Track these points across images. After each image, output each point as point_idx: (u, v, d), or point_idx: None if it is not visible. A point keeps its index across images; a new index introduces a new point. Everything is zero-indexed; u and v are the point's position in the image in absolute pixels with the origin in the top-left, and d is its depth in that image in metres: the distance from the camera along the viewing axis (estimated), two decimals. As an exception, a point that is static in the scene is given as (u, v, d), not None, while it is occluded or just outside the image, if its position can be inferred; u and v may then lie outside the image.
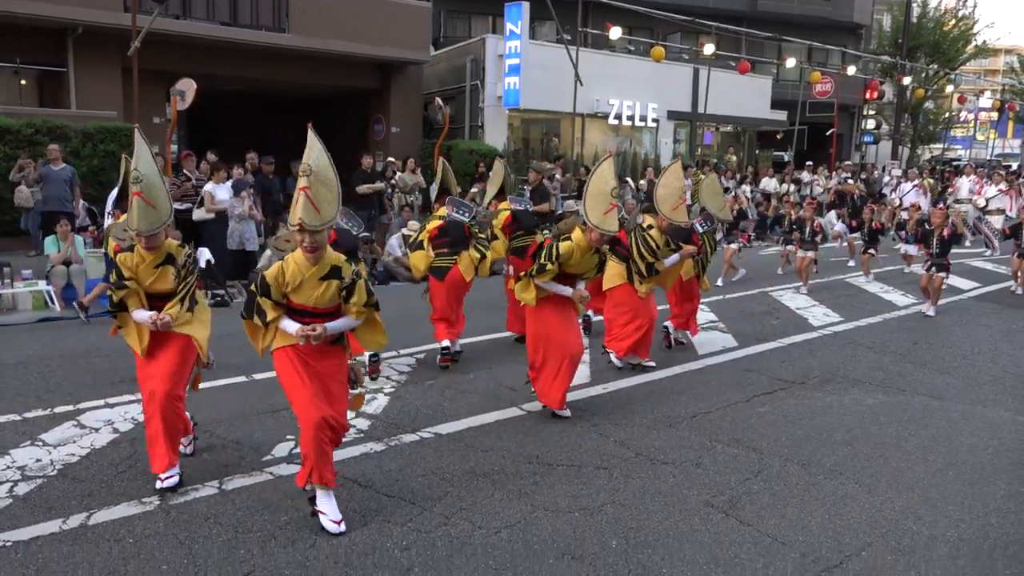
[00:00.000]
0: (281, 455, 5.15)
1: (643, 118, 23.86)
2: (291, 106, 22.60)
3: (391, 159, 16.95)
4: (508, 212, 8.26)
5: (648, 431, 5.72)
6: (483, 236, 7.84)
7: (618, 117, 23.34)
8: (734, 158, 25.30)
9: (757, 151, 29.11)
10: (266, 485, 4.69)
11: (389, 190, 15.30)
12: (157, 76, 15.45)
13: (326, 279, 4.13)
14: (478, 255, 7.55)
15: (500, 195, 8.51)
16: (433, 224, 7.68)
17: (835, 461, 5.23)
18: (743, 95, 25.79)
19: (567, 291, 5.88)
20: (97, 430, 5.53)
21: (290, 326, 4.18)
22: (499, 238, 8.21)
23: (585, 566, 3.85)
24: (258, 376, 6.92)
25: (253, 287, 4.22)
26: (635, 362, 7.30)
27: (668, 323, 8.28)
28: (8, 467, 4.87)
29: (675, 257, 7.18)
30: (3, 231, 12.73)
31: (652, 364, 7.36)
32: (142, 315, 4.50)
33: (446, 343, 7.44)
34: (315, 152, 4.00)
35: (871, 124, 33.94)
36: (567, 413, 5.98)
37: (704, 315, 10.09)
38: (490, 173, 9.12)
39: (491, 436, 5.58)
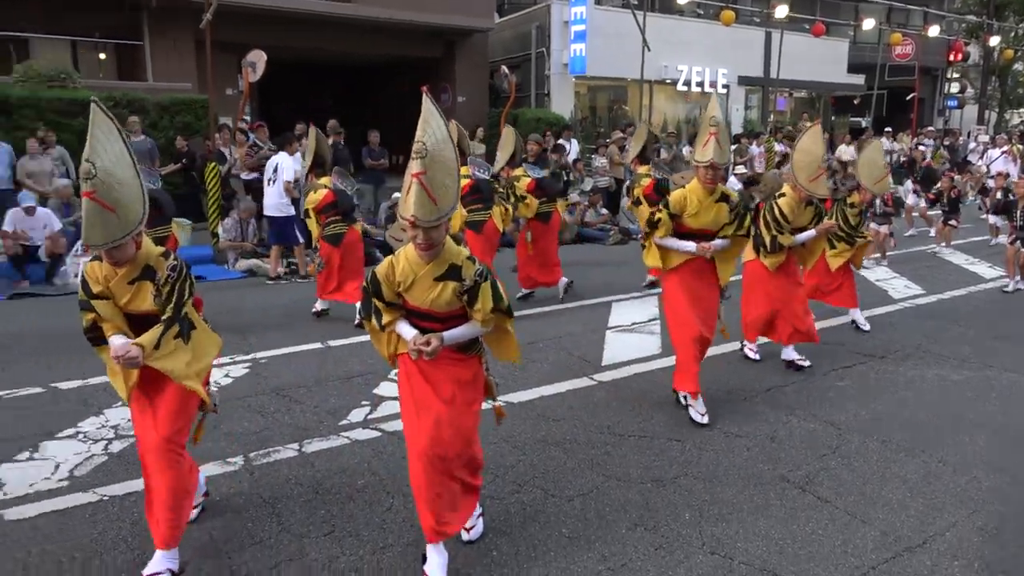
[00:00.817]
0: (357, 420, 5.26)
1: (713, 84, 23.32)
2: (358, 76, 22.79)
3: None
4: (530, 178, 8.74)
5: (722, 403, 5.65)
6: (501, 191, 8.77)
7: (687, 83, 22.88)
8: (809, 124, 24.57)
9: (833, 117, 28.23)
10: (343, 449, 4.81)
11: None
12: (229, 48, 15.73)
13: (442, 280, 3.35)
14: (503, 209, 8.44)
15: (511, 161, 8.92)
16: (525, 182, 8.65)
17: (917, 438, 5.09)
18: (818, 59, 24.98)
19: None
20: (182, 393, 5.73)
21: (406, 332, 3.47)
22: (527, 199, 8.69)
23: (657, 537, 3.85)
24: (333, 343, 7.08)
25: (366, 284, 3.52)
26: (789, 357, 6.48)
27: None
28: (103, 426, 5.10)
29: (809, 233, 6.27)
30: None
31: (799, 359, 6.48)
32: (116, 342, 3.42)
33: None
34: (432, 127, 3.18)
35: (955, 88, 32.47)
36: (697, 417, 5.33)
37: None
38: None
39: (563, 405, 5.59)
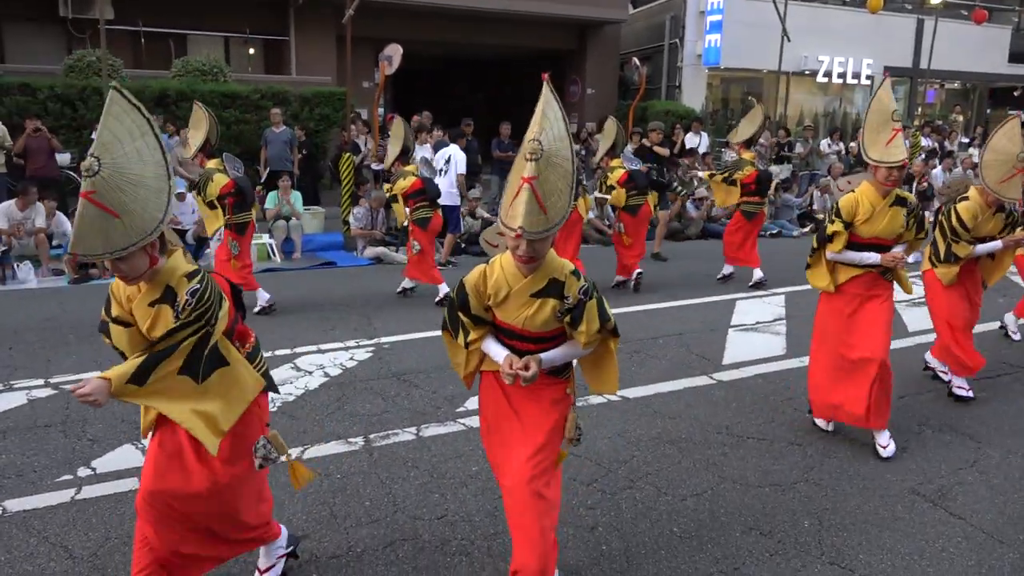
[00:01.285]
0: (473, 407, 5.36)
1: (856, 75, 22.19)
2: (489, 69, 23.10)
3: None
4: (624, 170, 9.09)
5: (848, 409, 5.40)
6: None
7: (827, 75, 21.87)
8: (960, 118, 22.99)
9: (989, 110, 26.29)
10: (459, 435, 4.91)
11: (583, 151, 15.30)
12: (366, 42, 16.30)
13: (540, 296, 2.90)
14: (584, 199, 9.03)
15: (611, 151, 9.24)
16: (618, 173, 9.07)
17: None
18: (975, 47, 23.29)
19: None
20: (311, 373, 6.01)
21: (495, 351, 3.06)
22: (616, 189, 9.10)
23: (774, 542, 3.73)
24: (453, 331, 7.22)
25: (452, 295, 3.10)
26: (957, 388, 5.72)
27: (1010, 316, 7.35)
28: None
29: (994, 244, 5.42)
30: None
31: (965, 392, 5.67)
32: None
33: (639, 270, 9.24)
34: (550, 121, 2.77)
35: None
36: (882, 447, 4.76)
37: (915, 288, 9.36)
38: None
39: (680, 403, 5.50)
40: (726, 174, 9.47)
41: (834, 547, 3.70)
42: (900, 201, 4.61)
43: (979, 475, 4.46)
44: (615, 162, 9.19)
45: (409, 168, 8.43)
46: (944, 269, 5.49)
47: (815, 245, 4.85)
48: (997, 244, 5.43)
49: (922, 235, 4.71)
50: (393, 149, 8.57)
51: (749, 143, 9.50)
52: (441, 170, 10.84)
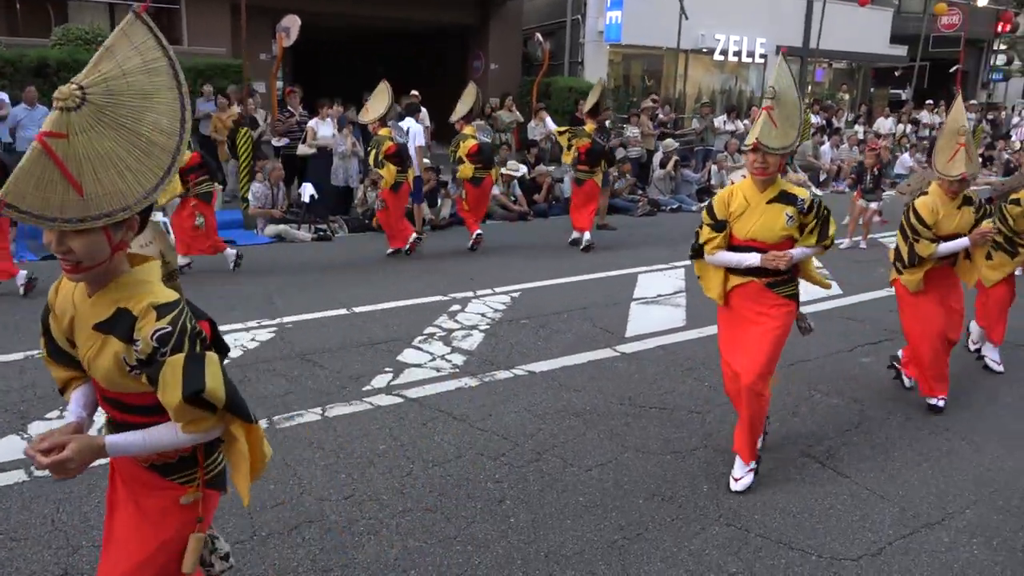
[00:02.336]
0: (379, 386, 5.32)
1: (750, 54, 22.88)
2: (389, 43, 22.69)
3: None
4: (475, 142, 9.66)
5: (744, 377, 5.62)
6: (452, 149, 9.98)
7: (724, 53, 22.46)
8: (847, 97, 24.04)
9: (872, 89, 27.58)
10: (364, 414, 4.87)
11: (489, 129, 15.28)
12: (262, 12, 15.74)
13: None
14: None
15: (468, 117, 9.74)
16: (470, 143, 9.61)
17: (941, 417, 5.02)
18: (860, 28, 24.35)
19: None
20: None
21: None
22: (464, 163, 9.68)
23: (675, 507, 3.86)
24: (358, 309, 7.14)
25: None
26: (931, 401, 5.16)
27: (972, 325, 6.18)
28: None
29: (960, 241, 4.84)
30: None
31: (938, 403, 5.10)
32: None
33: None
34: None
35: (1002, 60, 31.52)
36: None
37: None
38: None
39: (584, 376, 5.60)
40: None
41: (731, 509, 3.86)
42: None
43: (863, 436, 4.73)
44: (468, 129, 9.71)
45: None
46: (909, 275, 4.91)
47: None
48: (964, 241, 4.82)
49: (827, 241, 3.98)
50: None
51: (594, 112, 10.11)
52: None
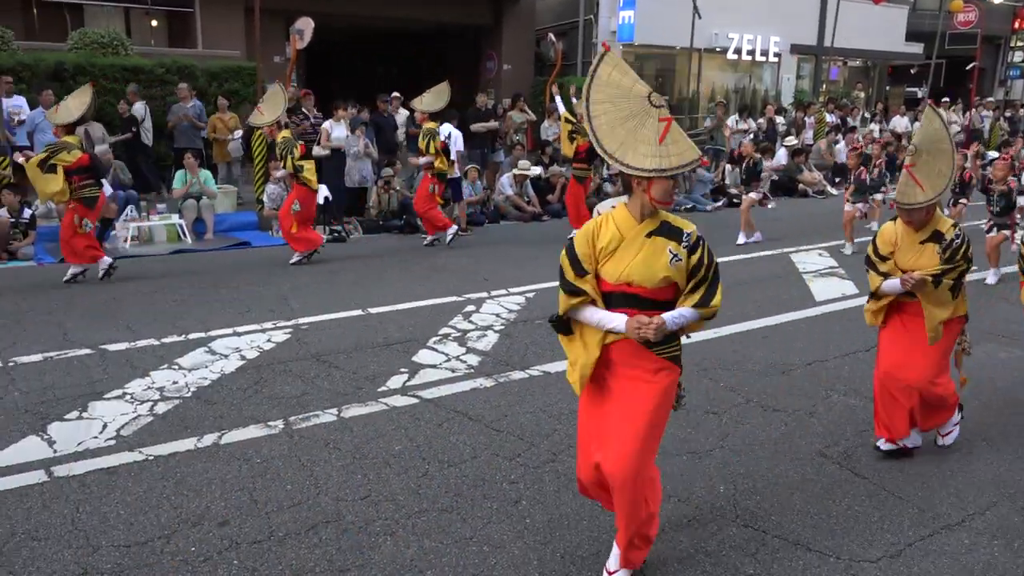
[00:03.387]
0: (395, 387, 5.33)
1: (764, 52, 22.76)
2: (401, 44, 22.74)
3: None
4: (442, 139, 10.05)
5: (760, 377, 5.60)
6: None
7: (737, 52, 22.35)
8: (861, 95, 23.88)
9: (888, 87, 27.40)
10: (381, 415, 4.88)
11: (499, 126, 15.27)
12: (276, 15, 15.80)
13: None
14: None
15: (437, 113, 10.09)
16: (585, 140, 9.83)
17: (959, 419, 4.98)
18: (875, 26, 24.18)
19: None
20: (226, 356, 5.86)
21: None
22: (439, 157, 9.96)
23: (691, 509, 3.85)
24: (373, 310, 7.16)
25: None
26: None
27: None
28: (149, 388, 5.25)
29: (892, 284, 4.22)
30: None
31: (880, 444, 4.46)
32: None
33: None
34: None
35: (1019, 57, 31.19)
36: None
37: (823, 260, 9.75)
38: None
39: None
40: (570, 127, 10.42)
41: (748, 510, 3.84)
42: (668, 231, 3.05)
43: (881, 436, 4.69)
44: (431, 124, 9.97)
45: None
46: (868, 305, 4.49)
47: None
48: (896, 284, 4.18)
49: (708, 311, 3.10)
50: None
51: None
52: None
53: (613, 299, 3.08)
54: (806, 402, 5.16)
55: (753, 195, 11.13)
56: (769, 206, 11.91)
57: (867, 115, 21.35)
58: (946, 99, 22.35)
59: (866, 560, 3.46)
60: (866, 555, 3.49)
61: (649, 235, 3.03)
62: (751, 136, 15.17)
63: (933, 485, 4.12)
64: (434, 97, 10.30)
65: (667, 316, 3.00)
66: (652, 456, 3.18)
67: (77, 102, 7.94)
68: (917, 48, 25.98)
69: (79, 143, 8.06)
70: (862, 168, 10.82)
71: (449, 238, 10.34)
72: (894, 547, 3.56)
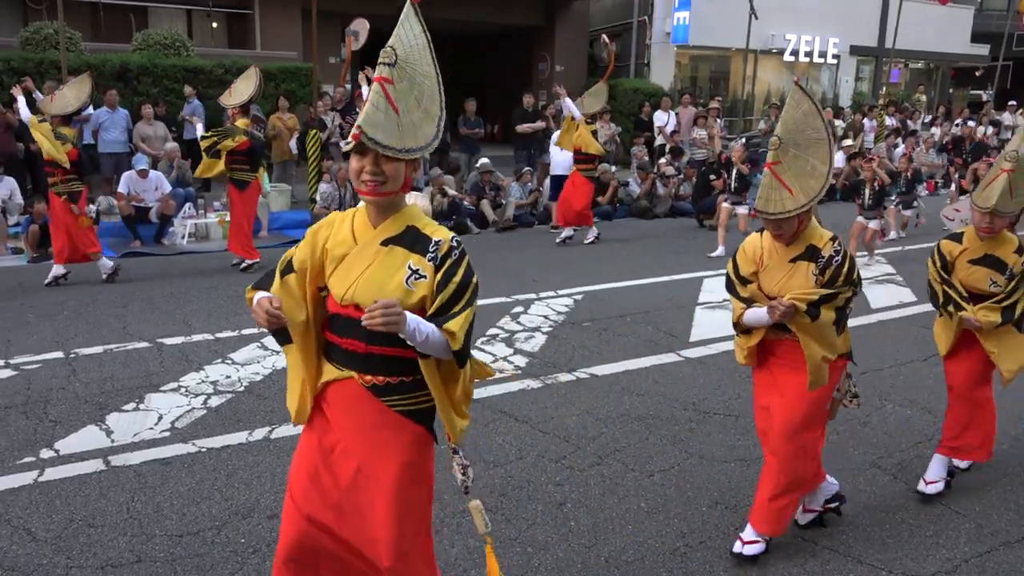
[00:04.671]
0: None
1: (822, 54, 22.38)
2: (457, 45, 22.85)
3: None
4: (246, 138, 8.53)
5: (812, 385, 5.49)
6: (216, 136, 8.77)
7: (794, 53, 22.01)
8: (923, 98, 23.28)
9: (951, 90, 26.67)
10: (428, 413, 4.90)
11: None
12: (332, 17, 16.04)
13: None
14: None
15: (246, 106, 8.83)
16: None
17: (1023, 431, 4.82)
18: (939, 27, 23.57)
19: None
20: (278, 352, 5.95)
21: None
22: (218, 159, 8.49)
23: (738, 517, 3.79)
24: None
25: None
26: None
27: None
28: (203, 381, 5.37)
29: (758, 313, 3.32)
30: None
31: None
32: None
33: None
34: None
35: (1090, 58, 30.10)
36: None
37: (880, 266, 9.52)
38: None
39: (647, 380, 5.55)
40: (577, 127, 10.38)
41: (797, 520, 3.77)
42: (411, 238, 2.41)
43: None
44: (243, 122, 8.74)
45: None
46: (737, 340, 3.59)
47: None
48: (761, 314, 3.26)
49: (452, 328, 2.33)
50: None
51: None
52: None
53: (336, 324, 2.41)
54: (860, 412, 5.04)
55: (741, 209, 10.23)
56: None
57: (928, 119, 20.82)
58: (1012, 102, 21.67)
59: (920, 575, 3.36)
60: (920, 570, 3.40)
61: (385, 243, 2.36)
62: (742, 140, 13.88)
63: (992, 500, 3.99)
64: (594, 98, 10.51)
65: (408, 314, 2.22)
66: (422, 546, 2.50)
67: (75, 93, 7.90)
68: (983, 49, 25.24)
69: (72, 136, 7.97)
70: (879, 179, 9.93)
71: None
72: (949, 563, 3.46)
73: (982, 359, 3.94)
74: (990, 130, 19.22)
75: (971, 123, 18.41)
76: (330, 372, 2.43)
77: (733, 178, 10.49)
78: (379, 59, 2.36)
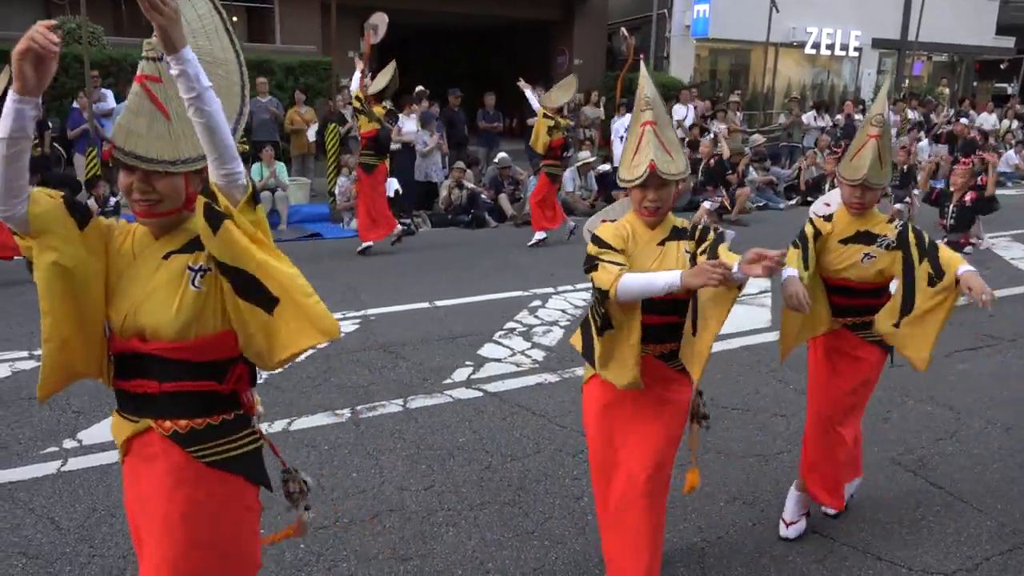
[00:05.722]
0: (459, 379, 5.37)
1: (844, 47, 22.13)
2: (475, 39, 22.85)
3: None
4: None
5: (832, 381, 5.45)
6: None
7: (815, 46, 21.79)
8: (946, 91, 23.00)
9: (975, 83, 26.31)
10: (445, 407, 4.93)
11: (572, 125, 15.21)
12: (351, 11, 16.07)
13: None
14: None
15: (383, 92, 9.52)
16: (559, 136, 9.66)
17: (1046, 427, 4.77)
18: (963, 19, 23.23)
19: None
20: (297, 345, 5.99)
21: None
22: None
23: (756, 512, 3.78)
24: (440, 303, 7.22)
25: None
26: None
27: None
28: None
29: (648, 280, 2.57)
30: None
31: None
32: None
33: None
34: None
35: (1119, 51, 29.59)
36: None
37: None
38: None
39: (665, 375, 5.52)
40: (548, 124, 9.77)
41: (816, 516, 3.74)
42: (187, 246, 2.07)
43: (958, 445, 4.52)
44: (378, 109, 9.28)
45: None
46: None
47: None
48: (652, 280, 2.55)
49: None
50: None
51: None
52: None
53: (122, 365, 2.10)
54: (880, 407, 5.00)
55: (708, 204, 10.03)
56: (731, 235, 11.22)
57: (951, 113, 20.59)
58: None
59: (940, 573, 3.34)
60: (940, 567, 3.37)
61: (167, 256, 2.03)
62: (711, 134, 13.56)
63: (1015, 498, 3.95)
64: (561, 91, 10.21)
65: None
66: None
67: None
68: (1008, 42, 24.87)
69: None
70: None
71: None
72: (971, 560, 3.43)
73: (849, 390, 3.53)
74: (1015, 124, 18.98)
75: (964, 120, 18.09)
76: (125, 428, 2.10)
77: (701, 171, 10.37)
78: (143, 52, 2.02)
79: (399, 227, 9.57)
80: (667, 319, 2.77)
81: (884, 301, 3.48)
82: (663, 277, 2.49)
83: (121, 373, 2.07)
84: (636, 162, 2.69)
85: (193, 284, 1.97)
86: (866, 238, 3.39)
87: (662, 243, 2.79)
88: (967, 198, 8.09)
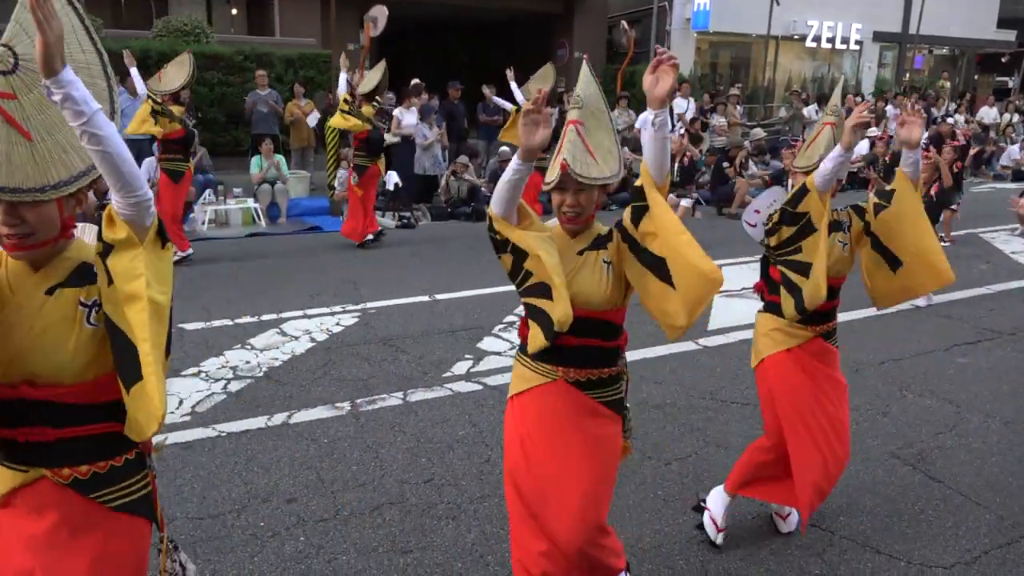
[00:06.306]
0: (459, 373, 5.38)
1: (845, 40, 22.08)
2: (475, 32, 22.79)
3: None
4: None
5: (831, 374, 5.46)
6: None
7: (816, 39, 21.74)
8: (947, 84, 22.95)
9: (976, 76, 26.26)
10: (445, 400, 4.93)
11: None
12: (351, 3, 16.03)
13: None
14: None
15: (373, 93, 9.26)
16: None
17: (1045, 421, 4.77)
18: (964, 12, 23.18)
19: None
20: (297, 338, 6.00)
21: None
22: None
23: (756, 506, 3.78)
24: (440, 296, 7.23)
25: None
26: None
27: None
28: (223, 366, 5.41)
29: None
30: (221, 152, 13.84)
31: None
32: None
33: None
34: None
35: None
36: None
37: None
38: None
39: (665, 369, 5.54)
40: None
41: (815, 510, 3.75)
42: (75, 276, 1.91)
43: (958, 439, 4.53)
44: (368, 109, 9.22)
45: None
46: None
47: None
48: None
49: None
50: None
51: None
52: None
53: (5, 413, 1.83)
54: (879, 401, 5.01)
55: (685, 202, 9.95)
56: (697, 215, 11.31)
57: (952, 106, 20.56)
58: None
59: (939, 566, 3.35)
60: (939, 560, 3.38)
61: (51, 291, 1.82)
62: (680, 131, 13.14)
63: (1014, 491, 3.96)
64: (538, 83, 10.01)
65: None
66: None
67: (176, 71, 8.02)
68: (1009, 35, 24.82)
69: (180, 114, 8.26)
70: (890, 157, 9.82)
71: None
72: (969, 554, 3.43)
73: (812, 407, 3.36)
74: (1016, 117, 18.96)
75: (950, 120, 17.90)
76: (7, 478, 1.85)
77: (676, 170, 10.28)
78: (570, 105, 1.90)
79: (378, 230, 9.49)
80: (585, 341, 2.57)
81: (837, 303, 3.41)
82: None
83: (4, 422, 1.81)
84: (555, 163, 2.51)
85: (88, 322, 1.78)
86: (834, 226, 3.31)
87: (581, 253, 2.58)
88: (932, 192, 7.98)
